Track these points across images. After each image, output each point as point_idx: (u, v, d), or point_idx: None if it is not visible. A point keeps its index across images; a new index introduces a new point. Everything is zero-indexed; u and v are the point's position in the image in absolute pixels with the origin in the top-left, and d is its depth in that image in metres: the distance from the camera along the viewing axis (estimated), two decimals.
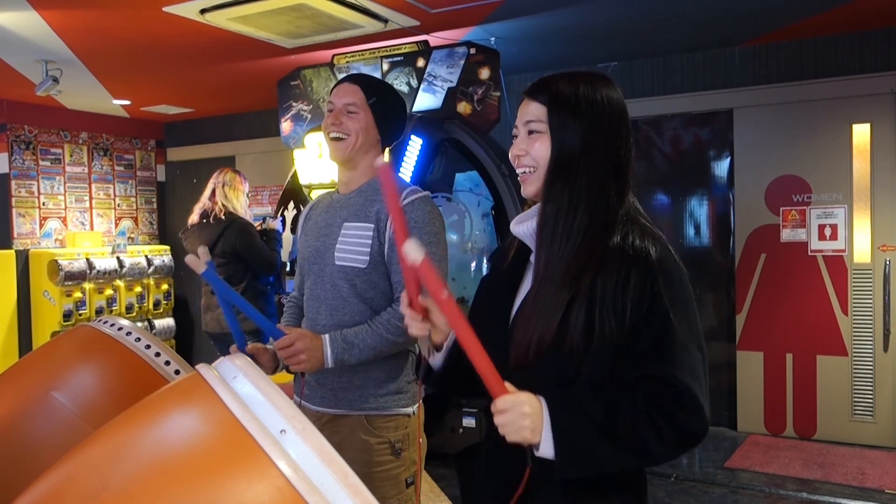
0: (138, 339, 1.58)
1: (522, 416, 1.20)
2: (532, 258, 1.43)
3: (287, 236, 4.59)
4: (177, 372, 1.54)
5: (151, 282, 6.78)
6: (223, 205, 4.19)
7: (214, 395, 0.94)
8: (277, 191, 5.02)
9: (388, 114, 2.06)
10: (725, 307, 5.35)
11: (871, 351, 4.79)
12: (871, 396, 4.79)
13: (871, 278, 4.79)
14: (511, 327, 1.38)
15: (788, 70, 5.00)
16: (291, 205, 4.76)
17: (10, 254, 6.11)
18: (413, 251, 1.18)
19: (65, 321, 6.03)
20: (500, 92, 4.41)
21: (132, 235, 7.27)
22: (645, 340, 1.25)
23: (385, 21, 4.15)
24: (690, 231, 5.55)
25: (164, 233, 7.59)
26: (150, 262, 6.72)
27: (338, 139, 2.02)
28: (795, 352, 4.99)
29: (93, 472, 0.94)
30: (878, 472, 4.30)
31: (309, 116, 5.02)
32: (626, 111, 1.40)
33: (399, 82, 4.61)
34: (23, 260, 6.21)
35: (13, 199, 6.23)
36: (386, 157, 2.14)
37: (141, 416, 1.02)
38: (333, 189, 2.20)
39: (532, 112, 1.38)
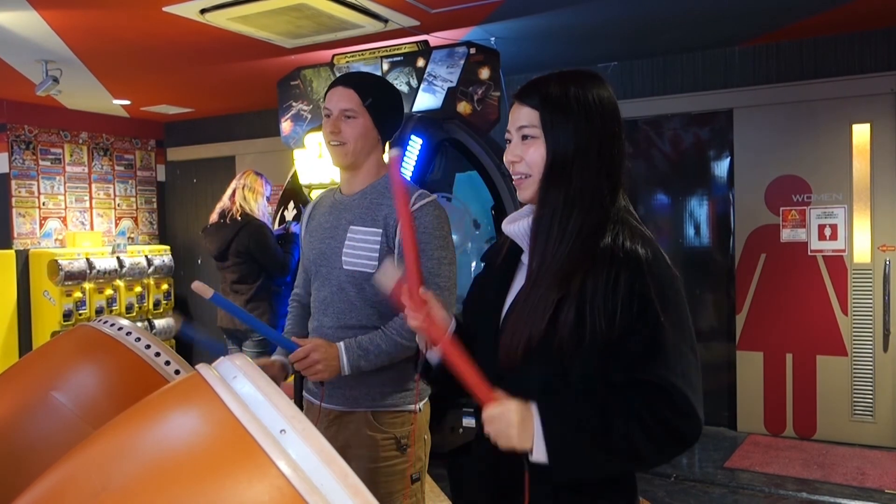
0: (138, 339, 1.58)
1: (510, 426, 1.22)
2: (524, 258, 1.44)
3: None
4: (177, 372, 1.54)
5: (151, 282, 6.78)
6: (240, 205, 4.35)
7: (214, 395, 0.94)
8: (277, 191, 5.02)
9: (386, 112, 2.06)
10: (725, 307, 5.35)
11: (870, 351, 4.79)
12: (870, 396, 4.79)
13: (870, 278, 4.79)
14: (501, 326, 1.38)
15: (788, 70, 5.00)
16: (291, 205, 4.76)
17: (10, 254, 6.11)
18: (385, 281, 1.20)
19: (65, 321, 6.03)
20: (500, 92, 4.40)
21: (132, 235, 7.28)
22: (636, 343, 1.25)
23: (385, 21, 4.15)
24: (690, 231, 5.55)
25: (164, 233, 7.59)
26: (150, 262, 6.72)
27: (338, 145, 2.03)
28: (795, 352, 5.00)
29: (93, 472, 0.94)
30: (878, 472, 4.30)
31: (309, 116, 5.02)
32: (618, 109, 1.40)
33: (399, 82, 4.61)
34: (23, 260, 6.21)
35: (13, 199, 6.23)
36: (387, 153, 2.13)
37: (141, 416, 1.02)
38: (335, 188, 2.20)
39: (524, 117, 1.38)
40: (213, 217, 4.43)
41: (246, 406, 0.91)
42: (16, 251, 6.17)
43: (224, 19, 4.00)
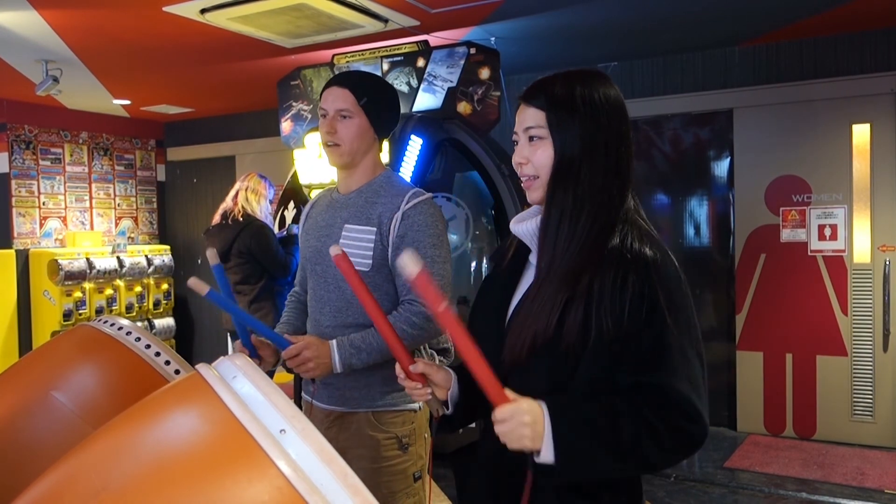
0: (138, 339, 1.58)
1: (523, 426, 1.20)
2: (531, 258, 1.44)
3: None
4: (177, 372, 1.54)
5: (151, 281, 6.78)
6: (242, 207, 4.38)
7: (214, 394, 0.94)
8: (278, 190, 5.03)
9: (382, 111, 2.06)
10: (725, 307, 5.35)
11: (870, 351, 4.79)
12: (870, 396, 4.79)
13: (870, 278, 4.79)
14: (508, 325, 1.38)
15: (788, 70, 5.00)
16: (291, 205, 4.76)
17: (10, 253, 6.11)
18: (409, 264, 1.18)
19: (65, 321, 6.03)
20: (500, 92, 4.41)
21: (132, 235, 7.27)
22: (643, 347, 1.25)
23: (385, 21, 4.15)
24: (690, 231, 5.55)
25: (164, 232, 7.59)
26: (150, 262, 6.72)
27: (334, 146, 2.03)
28: (795, 352, 5.00)
29: (93, 472, 0.94)
30: (878, 472, 4.30)
31: (309, 116, 5.02)
32: (625, 108, 1.39)
33: (399, 82, 4.61)
34: (23, 260, 6.21)
35: (13, 199, 6.23)
36: (385, 152, 2.13)
37: (141, 416, 1.02)
38: (333, 187, 2.20)
39: (531, 118, 1.37)
40: (216, 218, 4.46)
41: (246, 406, 0.91)
42: (16, 251, 6.17)
43: (224, 19, 4.00)
